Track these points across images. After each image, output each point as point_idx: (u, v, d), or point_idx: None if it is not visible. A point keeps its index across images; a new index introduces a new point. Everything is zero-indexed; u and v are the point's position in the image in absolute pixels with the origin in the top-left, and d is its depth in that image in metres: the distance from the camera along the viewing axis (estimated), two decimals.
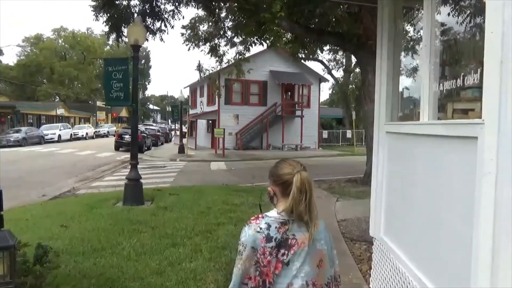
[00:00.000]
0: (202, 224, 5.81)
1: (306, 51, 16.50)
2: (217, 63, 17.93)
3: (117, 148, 24.93)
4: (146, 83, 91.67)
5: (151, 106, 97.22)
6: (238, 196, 8.48)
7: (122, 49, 77.06)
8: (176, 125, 36.50)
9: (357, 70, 35.41)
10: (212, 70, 18.25)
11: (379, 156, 3.68)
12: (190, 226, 5.65)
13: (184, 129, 31.40)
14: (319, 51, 26.65)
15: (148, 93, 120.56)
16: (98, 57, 65.22)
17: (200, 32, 15.01)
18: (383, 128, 3.62)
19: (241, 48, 17.10)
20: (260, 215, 1.67)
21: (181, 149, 22.47)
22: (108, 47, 76.43)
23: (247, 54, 18.19)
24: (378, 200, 3.57)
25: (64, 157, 19.97)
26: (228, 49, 16.97)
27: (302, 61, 31.37)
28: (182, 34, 14.93)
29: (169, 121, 73.86)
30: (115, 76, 7.37)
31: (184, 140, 25.06)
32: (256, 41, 13.39)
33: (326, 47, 32.28)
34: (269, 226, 1.59)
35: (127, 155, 22.91)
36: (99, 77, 70.42)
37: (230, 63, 17.42)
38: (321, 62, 35.19)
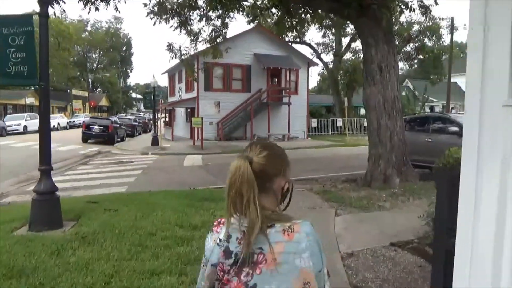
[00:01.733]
0: (126, 273, 3.58)
1: (293, 26, 14.11)
2: (192, 43, 15.53)
3: (84, 140, 22.44)
4: (129, 70, 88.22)
5: (134, 95, 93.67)
6: (203, 209, 6.28)
7: (101, 35, 73.57)
8: (159, 114, 34.04)
9: (348, 55, 33.22)
10: (186, 51, 15.80)
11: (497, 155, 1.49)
12: (103, 279, 3.43)
13: (164, 118, 28.95)
14: (306, 36, 24.34)
15: (132, 81, 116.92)
16: (75, 44, 61.77)
17: (167, 3, 12.56)
18: (503, 112, 1.45)
19: (218, 23, 14.74)
20: (222, 219, 1.31)
21: (155, 141, 20.09)
22: (86, 33, 72.81)
23: (227, 34, 15.86)
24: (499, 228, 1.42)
25: (17, 151, 17.42)
26: (203, 26, 14.53)
27: (290, 44, 29.11)
28: (145, 5, 12.46)
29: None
30: (13, 42, 5.02)
31: (163, 130, 22.71)
32: (232, 10, 11.11)
33: (315, 27, 30.01)
34: (229, 236, 1.24)
35: (93, 148, 20.52)
36: (76, 64, 67.01)
37: (206, 41, 15.03)
38: (309, 45, 32.93)
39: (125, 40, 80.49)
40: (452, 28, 28.83)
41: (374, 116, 8.85)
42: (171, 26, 13.51)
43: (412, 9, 9.02)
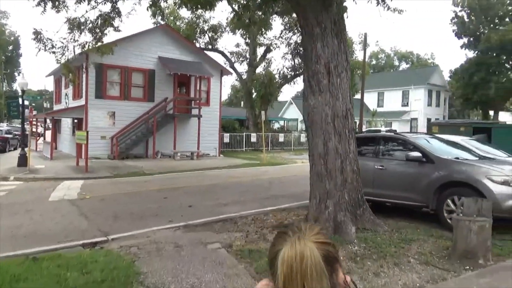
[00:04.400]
0: None
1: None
2: (71, 33, 11.67)
3: None
4: (16, 73, 76.73)
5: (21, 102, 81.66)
6: None
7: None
8: (38, 125, 28.20)
9: (262, 68, 31.33)
10: (64, 44, 11.81)
11: None
12: None
13: (44, 130, 23.62)
14: (219, 43, 21.79)
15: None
16: None
17: None
18: None
19: (107, 9, 11.20)
20: None
21: (22, 161, 15.33)
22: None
23: (120, 26, 12.30)
24: None
25: None
26: (87, 12, 10.87)
27: (201, 49, 26.16)
28: None
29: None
30: None
31: (41, 146, 17.77)
32: None
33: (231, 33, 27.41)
34: None
35: None
36: None
37: (90, 31, 11.32)
38: (222, 53, 30.40)
39: (12, 38, 70.03)
40: (365, 44, 28.68)
41: (320, 136, 6.25)
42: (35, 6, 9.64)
43: None
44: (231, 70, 28.14)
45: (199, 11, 22.84)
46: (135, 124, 19.70)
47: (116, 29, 12.12)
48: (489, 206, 5.20)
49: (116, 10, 11.33)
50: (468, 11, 43.50)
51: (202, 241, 6.11)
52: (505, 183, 6.25)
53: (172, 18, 28.20)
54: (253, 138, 27.57)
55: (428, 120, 45.41)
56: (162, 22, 26.60)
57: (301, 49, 27.47)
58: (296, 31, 24.69)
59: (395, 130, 20.56)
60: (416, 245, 5.74)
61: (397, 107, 46.10)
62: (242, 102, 52.18)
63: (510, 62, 43.44)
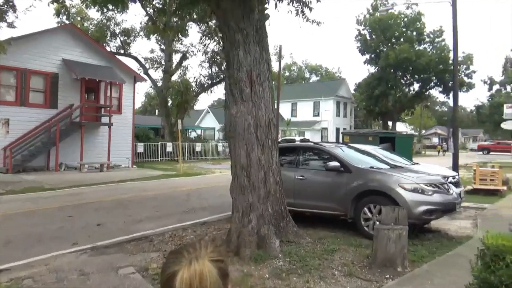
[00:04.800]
0: None
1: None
2: None
3: None
4: None
5: None
6: None
7: None
8: None
9: (178, 76, 30.56)
10: None
11: None
12: None
13: None
14: (132, 48, 20.82)
15: None
16: None
17: None
18: None
19: None
20: None
21: None
22: None
23: (15, 22, 10.89)
24: None
25: None
26: None
27: (112, 54, 24.61)
28: None
29: None
30: None
31: None
32: None
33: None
34: None
35: None
36: None
37: None
38: (136, 59, 29.03)
39: None
40: (280, 56, 29.58)
41: (243, 147, 6.01)
42: None
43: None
44: (145, 76, 26.93)
45: (110, 12, 21.49)
46: (34, 133, 17.62)
47: (11, 25, 10.76)
48: (405, 214, 5.41)
49: (10, 3, 10.01)
50: (370, 30, 47.60)
51: (112, 266, 5.43)
52: (415, 190, 6.62)
53: (79, 18, 26.15)
54: (169, 148, 26.57)
55: (337, 129, 48.47)
56: (67, 22, 24.51)
57: (219, 57, 27.42)
58: (215, 38, 24.43)
59: (308, 139, 21.33)
60: (338, 255, 5.76)
61: (309, 117, 48.41)
62: (157, 110, 50.40)
63: (405, 78, 48.41)
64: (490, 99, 57.16)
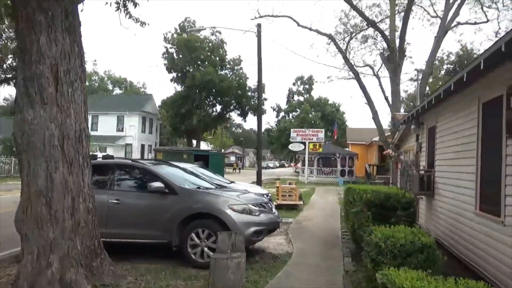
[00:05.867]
0: None
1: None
2: None
3: None
4: None
5: None
6: None
7: None
8: None
9: None
10: None
11: None
12: None
13: None
14: None
15: None
16: None
17: None
18: None
19: None
20: None
21: None
22: None
23: None
24: None
25: None
26: None
27: None
28: None
29: None
30: None
31: None
32: None
33: None
34: None
35: None
36: None
37: None
38: None
39: None
40: None
41: (42, 165, 4.46)
42: None
43: None
44: None
45: None
46: None
47: None
48: (242, 239, 4.98)
49: None
50: (177, 49, 48.33)
51: None
52: (244, 211, 6.35)
53: None
54: None
55: (142, 146, 46.68)
56: None
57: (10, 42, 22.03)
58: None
59: (112, 156, 19.30)
60: None
61: (113, 132, 45.05)
62: None
63: (209, 99, 51.00)
64: (277, 124, 66.09)
